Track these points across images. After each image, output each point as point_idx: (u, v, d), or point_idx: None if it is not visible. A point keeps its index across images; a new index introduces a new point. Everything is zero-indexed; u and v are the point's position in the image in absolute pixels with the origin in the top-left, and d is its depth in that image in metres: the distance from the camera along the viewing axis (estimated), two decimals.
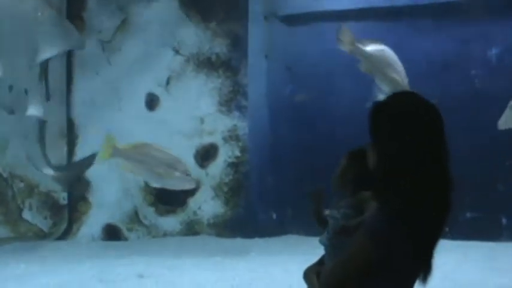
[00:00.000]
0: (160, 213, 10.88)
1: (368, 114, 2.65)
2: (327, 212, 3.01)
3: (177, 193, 10.69)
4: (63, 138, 11.03)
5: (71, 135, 11.07)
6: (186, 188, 6.75)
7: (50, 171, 9.86)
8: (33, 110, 9.19)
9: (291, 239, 10.28)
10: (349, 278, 2.46)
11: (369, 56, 7.29)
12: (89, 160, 9.75)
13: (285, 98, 10.96)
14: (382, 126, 2.59)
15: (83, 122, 11.06)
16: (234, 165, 10.75)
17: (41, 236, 10.91)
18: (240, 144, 10.74)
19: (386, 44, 8.12)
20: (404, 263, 2.50)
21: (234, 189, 10.72)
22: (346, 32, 7.24)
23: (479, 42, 9.92)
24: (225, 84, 10.77)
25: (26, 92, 9.23)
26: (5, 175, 10.87)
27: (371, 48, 7.35)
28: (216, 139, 10.77)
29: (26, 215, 10.97)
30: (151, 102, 10.89)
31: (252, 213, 10.55)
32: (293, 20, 10.91)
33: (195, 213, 10.82)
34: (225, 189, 10.74)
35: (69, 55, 10.95)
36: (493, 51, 9.90)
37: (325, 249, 2.93)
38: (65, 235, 10.94)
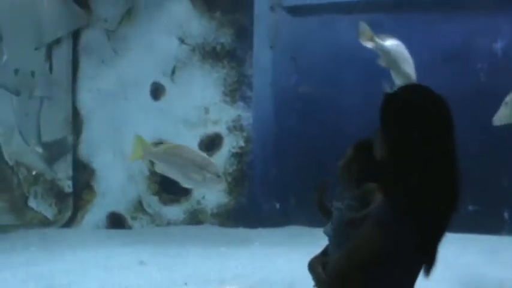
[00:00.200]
0: (164, 202, 10.93)
1: (379, 106, 2.65)
2: (331, 203, 3.01)
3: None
4: (68, 126, 11.07)
5: (76, 123, 11.11)
6: (216, 189, 6.81)
7: (39, 149, 9.91)
8: (41, 91, 9.26)
9: (294, 229, 10.31)
10: (355, 268, 2.49)
11: (387, 51, 7.37)
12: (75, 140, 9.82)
13: (289, 88, 10.96)
14: (391, 118, 2.60)
15: (88, 110, 11.10)
16: (238, 155, 10.78)
17: (46, 223, 10.97)
18: (244, 134, 10.77)
19: (393, 36, 8.15)
20: (410, 254, 2.53)
21: (237, 179, 10.76)
22: (365, 27, 7.33)
23: (485, 35, 9.90)
24: (230, 75, 10.79)
25: (32, 74, 9.28)
26: (10, 163, 10.92)
27: (389, 43, 7.43)
28: (221, 129, 10.80)
29: (31, 202, 11.02)
30: (157, 91, 10.92)
31: (256, 203, 10.59)
32: (299, 10, 10.90)
33: (198, 202, 10.87)
34: (229, 179, 10.76)
35: (74, 44, 10.97)
36: (499, 45, 9.88)
37: (330, 240, 2.93)
38: (69, 223, 11.01)
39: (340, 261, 2.56)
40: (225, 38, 10.79)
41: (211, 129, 10.82)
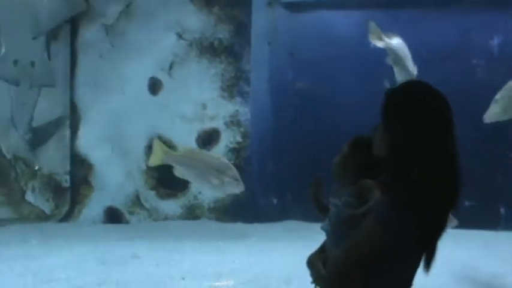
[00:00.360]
0: (162, 197, 10.96)
1: (378, 102, 2.67)
2: (328, 199, 3.01)
3: (179, 177, 10.80)
4: (66, 120, 11.09)
5: (73, 117, 11.12)
6: (235, 192, 6.91)
7: (27, 136, 9.96)
8: (43, 80, 9.30)
9: (291, 224, 10.35)
10: (356, 264, 2.50)
11: (395, 49, 7.48)
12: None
13: (287, 84, 11.00)
14: (392, 114, 2.62)
15: (85, 104, 11.10)
16: (235, 151, 10.81)
17: (43, 218, 11.00)
18: (242, 129, 10.80)
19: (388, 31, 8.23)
20: (410, 250, 2.55)
21: None
22: (374, 27, 7.45)
23: (480, 31, 9.94)
24: (228, 70, 10.82)
25: (32, 64, 9.30)
26: (8, 157, 10.93)
27: (395, 41, 7.55)
28: (218, 124, 10.83)
29: (29, 196, 11.05)
30: (154, 86, 10.94)
31: (253, 198, 10.62)
32: (296, 6, 10.94)
33: (195, 197, 10.90)
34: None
35: (73, 39, 10.98)
36: (495, 41, 9.93)
37: (328, 236, 2.93)
38: (67, 217, 11.03)
39: (341, 257, 2.57)
40: (223, 33, 10.81)
41: (208, 125, 10.84)
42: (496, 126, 8.00)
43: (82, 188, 11.12)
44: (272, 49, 10.95)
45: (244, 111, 10.80)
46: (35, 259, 7.78)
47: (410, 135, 2.53)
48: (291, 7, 10.99)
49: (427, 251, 2.58)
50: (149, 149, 10.77)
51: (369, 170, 2.82)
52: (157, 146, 6.76)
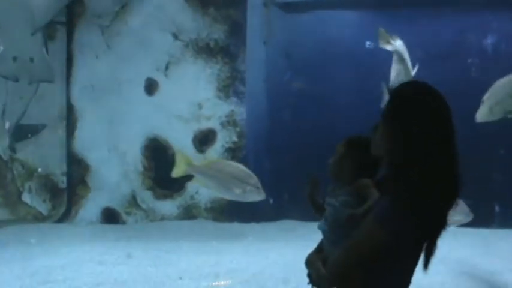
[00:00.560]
0: (158, 197, 10.98)
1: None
2: (325, 199, 3.00)
3: (175, 178, 10.83)
4: (63, 121, 11.10)
5: (70, 118, 11.14)
6: (256, 200, 7.04)
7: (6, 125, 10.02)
8: (42, 76, 9.32)
9: (288, 223, 10.38)
10: (356, 264, 2.52)
11: (401, 52, 7.58)
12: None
13: (282, 84, 11.04)
14: (392, 114, 2.64)
15: (82, 105, 11.12)
16: (231, 150, 10.84)
17: (40, 218, 11.02)
18: (238, 129, 10.83)
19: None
20: (410, 249, 2.58)
21: None
22: (383, 32, 7.57)
23: (475, 31, 10.00)
24: (223, 70, 10.84)
25: (31, 60, 9.31)
26: (5, 158, 10.94)
27: (399, 43, 7.66)
28: (214, 124, 10.86)
29: (25, 197, 11.07)
30: (150, 87, 10.96)
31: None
32: (291, 7, 10.98)
33: (192, 197, 10.92)
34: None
35: (69, 39, 11.00)
36: (489, 41, 9.98)
37: (325, 236, 2.93)
38: (63, 218, 11.04)
39: (341, 256, 2.58)
40: (219, 33, 10.84)
41: (204, 125, 10.87)
42: (491, 124, 8.04)
43: (79, 188, 11.13)
44: (267, 49, 10.98)
45: (240, 111, 10.83)
46: (33, 260, 7.79)
47: (410, 135, 2.55)
48: (286, 7, 11.03)
49: (426, 250, 2.60)
50: (146, 149, 10.86)
51: (366, 170, 2.84)
52: (180, 158, 6.93)
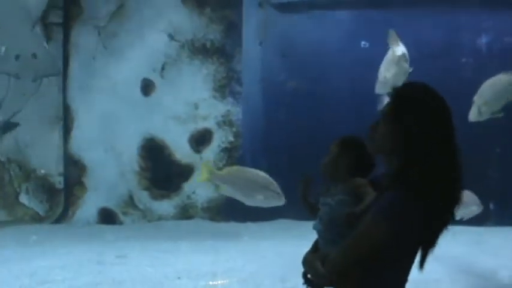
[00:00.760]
0: (155, 197, 11.02)
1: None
2: (319, 199, 2.97)
3: (172, 178, 10.89)
4: (59, 122, 11.12)
5: (66, 118, 11.16)
6: (277, 205, 7.20)
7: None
8: (47, 71, 9.34)
9: (283, 223, 10.41)
10: (356, 262, 2.55)
11: (406, 53, 7.68)
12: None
13: (278, 84, 11.07)
14: (392, 114, 2.67)
15: (78, 106, 11.15)
16: (227, 150, 10.89)
17: (38, 219, 11.03)
18: (234, 129, 10.88)
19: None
20: (408, 247, 2.62)
21: None
22: (394, 34, 7.65)
23: (469, 30, 10.06)
24: (219, 71, 10.89)
25: (34, 56, 9.32)
26: (2, 159, 10.96)
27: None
28: (210, 124, 10.91)
29: (23, 198, 11.08)
30: (147, 87, 11.00)
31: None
32: (287, 7, 11.02)
33: (189, 197, 10.97)
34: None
35: (65, 41, 11.02)
36: (483, 40, 10.04)
37: (320, 236, 2.93)
38: (61, 219, 11.07)
39: (341, 254, 2.61)
40: (214, 34, 10.88)
41: (201, 125, 10.92)
42: (486, 123, 8.11)
43: (76, 189, 11.16)
44: (263, 49, 11.01)
45: (236, 111, 10.88)
46: (31, 261, 7.81)
47: (411, 135, 2.59)
48: (281, 8, 11.06)
49: (425, 249, 2.64)
50: (142, 149, 10.91)
51: (360, 170, 2.87)
52: (204, 168, 7.24)
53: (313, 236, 3.07)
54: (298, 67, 10.93)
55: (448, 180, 2.59)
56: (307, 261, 2.87)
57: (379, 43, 8.19)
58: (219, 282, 6.71)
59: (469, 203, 7.84)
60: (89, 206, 11.11)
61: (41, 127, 10.97)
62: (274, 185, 6.91)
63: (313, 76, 10.75)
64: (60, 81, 11.02)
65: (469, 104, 8.58)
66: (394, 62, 7.63)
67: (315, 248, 2.94)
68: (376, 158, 2.86)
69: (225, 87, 10.88)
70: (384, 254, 2.55)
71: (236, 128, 10.89)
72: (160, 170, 10.95)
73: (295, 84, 10.96)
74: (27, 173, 11.06)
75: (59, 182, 11.17)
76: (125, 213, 11.06)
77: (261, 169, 10.78)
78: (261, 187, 6.86)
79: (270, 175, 10.77)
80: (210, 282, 6.69)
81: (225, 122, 10.90)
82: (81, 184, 11.15)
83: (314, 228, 2.96)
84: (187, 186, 10.92)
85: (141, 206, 11.03)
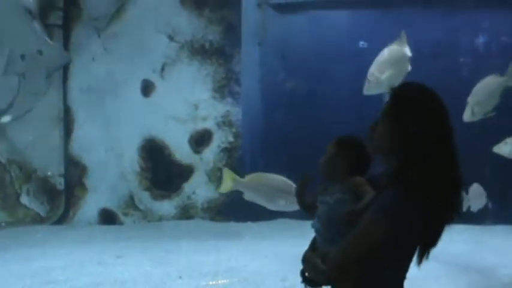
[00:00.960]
0: (156, 197, 11.06)
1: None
2: (317, 198, 2.98)
3: (172, 178, 10.94)
4: (60, 123, 11.16)
5: (67, 120, 11.20)
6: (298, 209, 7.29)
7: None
8: (57, 63, 9.38)
9: (283, 222, 10.42)
10: (356, 259, 2.57)
11: (407, 56, 7.76)
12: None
13: (277, 84, 11.11)
14: (391, 115, 2.68)
15: (79, 107, 11.19)
16: (227, 151, 10.93)
17: (38, 220, 11.06)
18: (233, 130, 10.92)
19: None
20: (407, 244, 2.64)
21: None
22: (404, 35, 7.68)
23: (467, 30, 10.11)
24: (219, 71, 10.93)
25: (40, 52, 9.34)
26: (2, 160, 10.99)
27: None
28: (210, 125, 10.95)
29: (24, 199, 11.11)
30: (147, 88, 11.04)
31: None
32: (285, 8, 11.05)
33: (189, 197, 11.01)
34: (219, 174, 10.91)
35: (65, 42, 11.07)
36: (480, 40, 10.10)
37: (319, 234, 2.94)
38: (61, 220, 11.11)
39: (341, 252, 2.63)
40: (213, 35, 10.92)
41: (200, 125, 10.96)
42: (483, 121, 8.16)
43: (76, 190, 11.20)
44: (262, 50, 11.05)
45: (235, 112, 10.93)
46: (33, 261, 7.86)
47: (409, 135, 2.61)
48: (280, 8, 11.09)
49: (425, 248, 2.67)
50: (142, 150, 10.95)
51: (358, 169, 2.90)
52: (227, 175, 7.34)
53: (313, 236, 3.07)
54: (297, 67, 10.96)
55: (447, 180, 2.61)
56: (306, 260, 2.89)
57: (378, 43, 8.23)
58: (221, 281, 6.75)
59: (478, 196, 8.04)
60: (89, 206, 11.15)
61: (41, 128, 10.99)
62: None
63: (312, 76, 10.79)
64: (60, 82, 11.05)
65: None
66: (392, 62, 7.65)
67: (313, 246, 2.96)
68: (374, 156, 2.89)
69: (224, 88, 10.93)
70: (383, 252, 2.57)
71: (236, 129, 10.93)
72: (161, 170, 10.99)
73: (294, 84, 11.00)
74: (28, 174, 11.09)
75: (59, 183, 11.21)
76: (125, 214, 11.10)
77: (260, 169, 10.93)
78: (282, 192, 6.95)
79: None
80: (212, 282, 6.74)
81: (225, 122, 10.94)
82: (81, 185, 11.20)
83: (312, 226, 2.97)
84: (188, 187, 10.97)
85: (141, 207, 11.07)
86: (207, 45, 10.93)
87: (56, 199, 11.20)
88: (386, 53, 7.69)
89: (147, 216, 11.05)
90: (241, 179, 7.31)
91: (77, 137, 11.17)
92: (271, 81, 11.08)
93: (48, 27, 10.73)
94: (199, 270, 7.15)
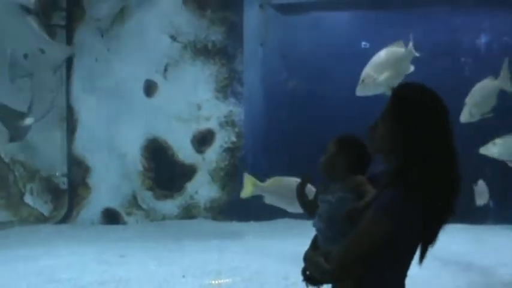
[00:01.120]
0: (158, 197, 11.11)
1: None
2: (318, 197, 2.99)
3: (175, 178, 10.99)
4: (63, 123, 11.22)
5: (70, 120, 11.27)
6: None
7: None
8: (62, 55, 9.43)
9: (285, 222, 10.45)
10: (357, 257, 2.59)
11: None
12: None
13: (279, 84, 11.15)
14: (392, 115, 2.70)
15: (82, 107, 11.25)
16: (230, 150, 10.98)
17: (42, 220, 11.11)
18: (236, 129, 10.97)
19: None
20: (408, 243, 2.67)
21: (230, 174, 10.96)
22: (401, 42, 7.78)
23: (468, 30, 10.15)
24: (221, 71, 10.98)
25: (42, 51, 9.38)
26: (6, 160, 11.05)
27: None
28: (213, 125, 11.00)
29: (27, 199, 11.16)
30: (150, 88, 11.09)
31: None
32: (287, 8, 11.10)
33: (192, 197, 11.06)
34: (221, 173, 10.98)
35: (68, 43, 11.14)
36: (482, 40, 10.14)
37: (320, 233, 2.94)
38: (65, 219, 11.17)
39: (343, 250, 2.64)
40: (216, 35, 10.97)
41: (203, 125, 11.01)
42: (483, 121, 8.20)
43: (80, 189, 11.26)
44: (264, 50, 11.10)
45: (238, 112, 10.97)
46: (37, 260, 7.90)
47: (409, 136, 2.63)
48: (282, 9, 11.14)
49: (426, 246, 2.69)
50: (145, 150, 11.01)
51: (358, 168, 2.91)
52: (248, 180, 7.46)
53: (314, 234, 3.09)
54: (299, 67, 11.01)
55: (447, 180, 2.63)
56: (308, 259, 2.90)
57: (380, 44, 8.26)
58: (224, 280, 6.79)
59: (483, 192, 8.16)
60: (93, 206, 11.21)
61: (44, 128, 11.03)
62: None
63: (314, 76, 10.83)
64: (63, 82, 11.11)
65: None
66: (390, 64, 7.65)
67: (314, 245, 2.97)
68: (374, 155, 2.91)
69: (227, 88, 10.97)
70: (384, 251, 2.59)
71: (238, 129, 10.98)
72: (164, 170, 11.05)
73: (296, 84, 11.05)
74: (32, 174, 11.14)
75: (63, 182, 11.27)
76: (128, 214, 11.16)
77: (263, 169, 11.00)
78: None
79: (272, 174, 10.93)
80: (215, 281, 6.78)
81: (228, 122, 10.99)
82: (85, 185, 11.26)
83: (314, 225, 2.99)
84: (190, 186, 11.02)
85: (144, 206, 11.13)
86: (209, 45, 10.98)
87: (60, 198, 11.27)
88: (383, 54, 7.67)
89: (150, 216, 11.10)
90: (262, 184, 7.44)
91: (80, 136, 11.23)
92: (273, 81, 11.12)
93: (51, 28, 10.81)
94: (203, 269, 7.18)
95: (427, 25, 10.22)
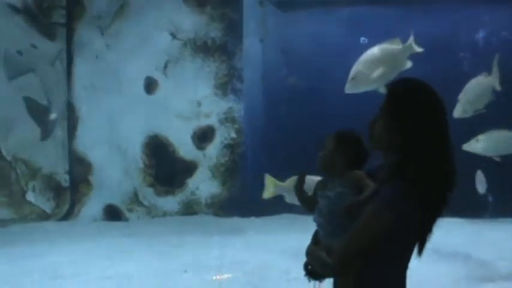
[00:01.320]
0: (159, 193, 11.17)
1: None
2: (317, 192, 3.00)
3: (176, 174, 11.05)
4: (64, 121, 11.27)
5: (71, 118, 11.31)
6: None
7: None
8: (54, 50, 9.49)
9: (286, 217, 10.51)
10: (358, 252, 2.61)
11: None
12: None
13: (279, 81, 11.19)
14: (388, 111, 2.72)
15: (83, 104, 11.29)
16: (230, 147, 11.03)
17: (44, 217, 11.15)
18: (236, 126, 11.01)
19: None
20: (408, 236, 2.69)
21: (230, 170, 11.02)
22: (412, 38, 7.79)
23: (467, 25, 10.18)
24: (221, 68, 11.02)
25: (34, 46, 9.40)
26: (8, 158, 11.10)
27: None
28: (213, 121, 11.04)
29: (30, 196, 11.20)
30: (150, 85, 11.13)
31: (248, 193, 10.79)
32: (287, 5, 11.14)
33: (193, 193, 11.11)
34: (222, 169, 11.04)
35: (68, 40, 11.17)
36: (480, 35, 10.18)
37: (321, 228, 2.95)
38: (67, 216, 11.21)
39: (345, 245, 2.66)
40: (216, 32, 11.01)
41: (203, 122, 11.06)
42: (482, 115, 8.25)
43: (81, 186, 11.31)
44: (264, 47, 11.13)
45: (237, 108, 11.02)
46: (40, 257, 7.97)
47: (406, 133, 2.65)
48: (281, 5, 11.18)
49: (424, 239, 2.72)
50: (146, 146, 11.06)
51: (356, 163, 2.93)
52: (269, 181, 7.57)
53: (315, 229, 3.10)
54: (298, 64, 11.05)
55: (441, 172, 2.66)
56: (310, 253, 2.91)
57: (379, 40, 8.30)
58: (225, 275, 6.86)
59: (481, 181, 8.26)
60: (94, 203, 11.26)
61: (46, 126, 11.09)
62: None
63: (314, 73, 10.87)
64: (64, 80, 11.15)
65: None
66: (383, 61, 7.65)
67: (315, 240, 2.99)
68: (371, 151, 2.93)
69: (226, 85, 11.02)
70: (384, 246, 2.61)
71: (238, 125, 11.02)
72: (164, 166, 11.10)
73: (296, 81, 11.10)
74: (34, 172, 11.19)
75: (64, 180, 11.32)
76: (130, 210, 11.21)
77: (263, 165, 11.05)
78: None
79: (273, 170, 10.98)
80: (217, 276, 6.84)
81: (227, 119, 11.04)
82: (86, 182, 11.31)
83: (314, 221, 3.00)
84: (191, 183, 11.08)
85: (145, 203, 11.19)
86: (209, 42, 11.03)
87: (62, 196, 11.31)
88: (376, 51, 7.65)
89: (152, 212, 11.16)
90: (282, 184, 7.51)
91: (81, 134, 11.28)
92: (272, 78, 11.16)
93: (51, 26, 10.86)
94: (204, 265, 7.25)
95: (426, 21, 10.26)
